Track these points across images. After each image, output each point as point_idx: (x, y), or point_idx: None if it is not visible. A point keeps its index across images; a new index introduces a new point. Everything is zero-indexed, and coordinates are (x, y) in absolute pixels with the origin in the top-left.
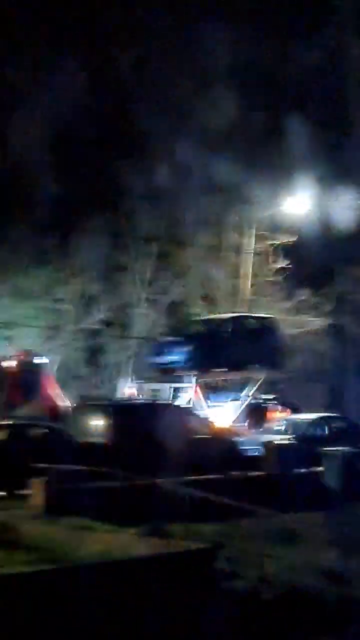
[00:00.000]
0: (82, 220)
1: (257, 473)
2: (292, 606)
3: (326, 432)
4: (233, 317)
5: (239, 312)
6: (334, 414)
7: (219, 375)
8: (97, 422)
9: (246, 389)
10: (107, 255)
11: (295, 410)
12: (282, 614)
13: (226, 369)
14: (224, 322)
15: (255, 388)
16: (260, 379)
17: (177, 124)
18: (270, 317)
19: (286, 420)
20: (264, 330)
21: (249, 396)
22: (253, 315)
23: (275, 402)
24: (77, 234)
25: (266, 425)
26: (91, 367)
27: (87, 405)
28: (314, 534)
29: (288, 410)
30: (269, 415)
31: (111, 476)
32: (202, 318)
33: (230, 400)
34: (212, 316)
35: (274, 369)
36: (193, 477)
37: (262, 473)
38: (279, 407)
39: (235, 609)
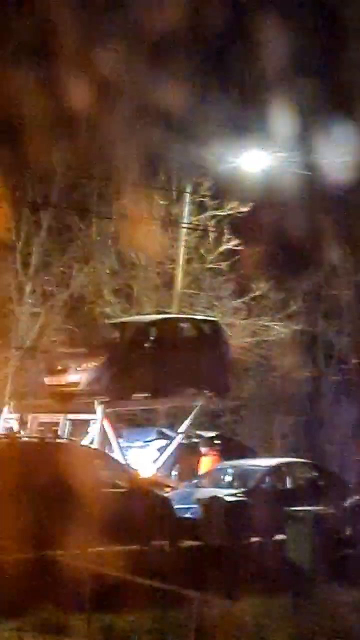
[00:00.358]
0: None
1: (192, 543)
2: None
3: (289, 484)
4: (159, 320)
5: (167, 314)
6: (301, 460)
7: (138, 403)
8: None
9: (179, 423)
10: None
11: (243, 453)
12: None
13: (148, 394)
14: (145, 326)
15: (189, 420)
16: (196, 408)
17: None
18: (212, 320)
19: (232, 468)
20: (203, 338)
21: (180, 433)
22: (187, 317)
23: (219, 441)
24: None
25: (203, 475)
26: None
27: None
28: (272, 628)
29: (214, 454)
30: (208, 460)
31: None
32: (115, 321)
33: (153, 440)
34: (129, 319)
35: (217, 394)
36: (101, 549)
37: (200, 543)
38: (204, 449)
39: None
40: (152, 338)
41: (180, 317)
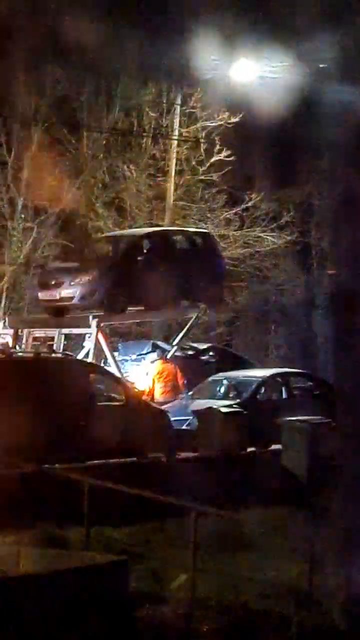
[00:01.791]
0: None
1: (189, 455)
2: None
3: (284, 395)
4: (151, 234)
5: (159, 226)
6: (296, 370)
7: (132, 316)
8: None
9: (173, 336)
10: None
11: (237, 364)
12: None
13: (142, 307)
14: (138, 240)
15: (183, 333)
16: (191, 320)
17: None
18: (205, 232)
19: (227, 378)
20: (196, 251)
21: (174, 346)
22: (180, 229)
23: (212, 353)
24: None
25: (197, 386)
26: None
27: None
28: (268, 538)
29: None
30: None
31: None
32: (108, 234)
33: (148, 353)
34: (121, 232)
35: (211, 306)
36: (99, 462)
37: (196, 455)
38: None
39: None
40: (145, 251)
41: (173, 230)
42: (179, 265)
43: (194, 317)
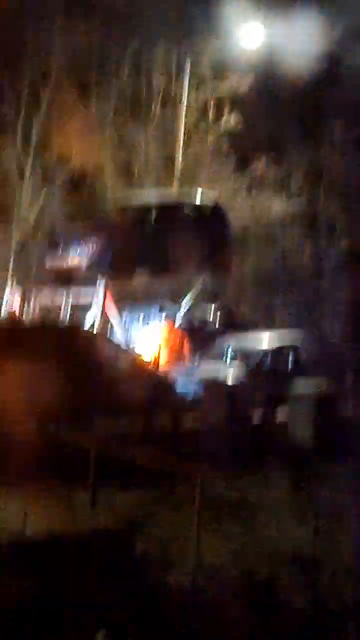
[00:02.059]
0: None
1: (195, 421)
2: (242, 605)
3: (292, 362)
4: (160, 200)
5: (168, 193)
6: (304, 337)
7: (139, 283)
8: None
9: (180, 302)
10: None
11: (245, 328)
12: (228, 617)
13: (149, 274)
14: (147, 207)
15: (190, 300)
16: (198, 286)
17: None
18: (213, 199)
19: (234, 345)
20: (204, 219)
21: (181, 312)
22: (188, 196)
23: (219, 319)
24: None
25: (204, 353)
26: None
27: None
28: (274, 505)
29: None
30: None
31: None
32: (117, 200)
33: (155, 318)
34: (130, 197)
35: (218, 274)
36: (105, 428)
37: (202, 421)
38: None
39: (163, 612)
40: (153, 218)
41: (181, 196)
42: (186, 232)
43: (202, 284)
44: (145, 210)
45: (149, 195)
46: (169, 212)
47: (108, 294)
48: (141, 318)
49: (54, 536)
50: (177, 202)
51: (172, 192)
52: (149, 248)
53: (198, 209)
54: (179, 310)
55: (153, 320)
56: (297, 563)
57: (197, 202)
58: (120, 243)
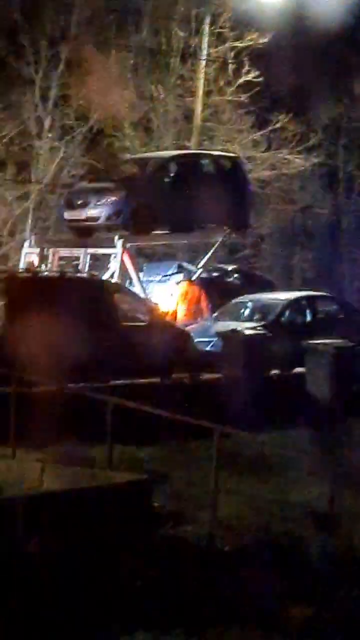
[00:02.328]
0: None
1: (213, 376)
2: (257, 561)
3: (309, 318)
4: (179, 156)
5: (187, 149)
6: (321, 293)
7: (157, 238)
8: None
9: (198, 258)
10: None
11: (262, 286)
12: (244, 572)
13: (168, 229)
14: (166, 162)
15: (209, 256)
16: (217, 242)
17: None
18: (233, 156)
19: (251, 300)
20: (223, 174)
21: (199, 268)
22: (208, 152)
23: (237, 275)
24: None
25: (222, 308)
26: None
27: None
28: (291, 461)
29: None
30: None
31: (3, 380)
32: (135, 156)
33: (173, 274)
34: (149, 154)
35: (236, 229)
36: (123, 382)
37: (220, 376)
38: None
39: (179, 564)
40: (172, 173)
41: (200, 153)
42: (205, 188)
43: (220, 240)
44: (164, 166)
45: (168, 151)
46: (189, 168)
47: (126, 249)
48: (159, 273)
49: (70, 492)
50: (196, 158)
51: (191, 148)
52: (168, 204)
53: (218, 165)
54: (198, 266)
55: (171, 276)
56: (314, 519)
57: (217, 159)
58: (139, 199)
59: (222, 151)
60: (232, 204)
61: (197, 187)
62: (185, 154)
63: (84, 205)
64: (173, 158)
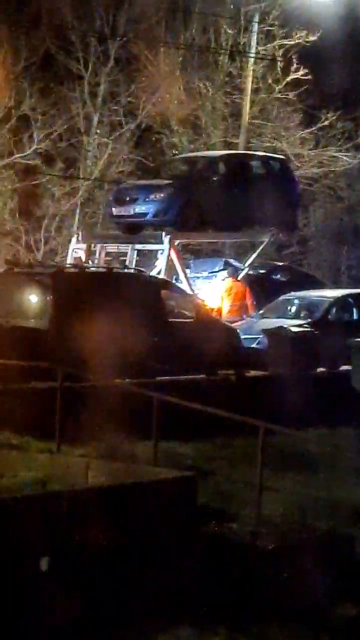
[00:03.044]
0: (7, 9)
1: (259, 373)
2: (301, 559)
3: (356, 316)
4: (228, 156)
5: (234, 146)
6: None
7: (204, 235)
8: (31, 299)
9: (245, 256)
10: (44, 57)
11: (309, 284)
12: (289, 571)
13: (215, 228)
14: (214, 161)
15: (256, 255)
16: (264, 242)
17: None
18: (281, 158)
19: (298, 298)
20: (271, 176)
21: (246, 267)
22: (256, 153)
23: (283, 272)
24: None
25: (268, 305)
26: (22, 219)
27: (15, 274)
28: (338, 458)
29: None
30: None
31: (50, 375)
32: (185, 155)
33: (220, 270)
34: (198, 153)
35: (283, 232)
36: (169, 378)
37: (266, 373)
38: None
39: (223, 563)
40: (220, 173)
41: (249, 154)
42: (253, 189)
43: (267, 240)
44: (213, 165)
45: (218, 151)
46: (237, 168)
47: (173, 245)
48: (206, 270)
49: (115, 487)
50: (245, 159)
51: (239, 145)
52: (216, 203)
53: (266, 166)
54: (244, 264)
55: (218, 272)
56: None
57: (266, 160)
58: (187, 197)
59: (270, 152)
60: (279, 206)
61: (245, 188)
62: (234, 154)
63: (133, 201)
64: (222, 158)
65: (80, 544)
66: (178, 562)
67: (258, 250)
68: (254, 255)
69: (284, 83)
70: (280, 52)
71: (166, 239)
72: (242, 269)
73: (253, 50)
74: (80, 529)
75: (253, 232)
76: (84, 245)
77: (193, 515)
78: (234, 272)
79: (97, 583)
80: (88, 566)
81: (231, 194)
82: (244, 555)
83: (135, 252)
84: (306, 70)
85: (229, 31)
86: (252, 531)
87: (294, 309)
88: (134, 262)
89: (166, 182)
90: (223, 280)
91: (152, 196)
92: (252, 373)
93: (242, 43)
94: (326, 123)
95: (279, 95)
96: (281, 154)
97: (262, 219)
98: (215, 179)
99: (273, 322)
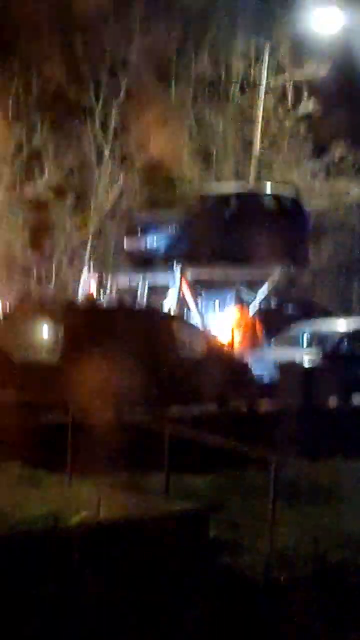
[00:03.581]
0: (19, 43)
1: (270, 405)
2: (313, 591)
3: None
4: (240, 191)
5: (245, 179)
6: None
7: (215, 269)
8: (43, 332)
9: (256, 289)
10: (56, 90)
11: (321, 315)
12: (302, 605)
13: (226, 262)
14: (227, 196)
15: (267, 289)
16: (275, 278)
17: None
18: (293, 194)
19: (310, 329)
20: (283, 212)
21: (257, 300)
22: (268, 189)
23: (295, 303)
24: (9, 60)
25: (279, 337)
26: (33, 252)
27: (28, 307)
28: (349, 489)
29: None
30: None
31: (61, 409)
32: (197, 191)
33: (231, 302)
34: (211, 188)
35: (295, 267)
36: (180, 411)
37: (277, 405)
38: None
39: (235, 595)
40: (232, 208)
41: (261, 189)
42: (265, 224)
43: (278, 276)
44: (225, 200)
45: (229, 185)
46: (249, 204)
47: (184, 279)
48: (217, 304)
49: (127, 521)
50: (257, 193)
51: (252, 182)
52: (227, 237)
53: (278, 200)
54: (255, 297)
55: (228, 306)
56: None
57: (277, 194)
58: (199, 231)
59: (281, 185)
60: (291, 242)
61: (257, 223)
62: (246, 190)
63: (145, 234)
64: (234, 193)
65: (91, 577)
66: (189, 595)
67: (269, 285)
68: (265, 289)
69: (294, 115)
70: (291, 84)
71: (177, 272)
72: (253, 302)
73: (264, 82)
74: (92, 563)
75: (264, 268)
76: (95, 279)
77: (204, 548)
78: (245, 304)
79: (106, 618)
80: (98, 599)
81: (243, 229)
82: (256, 587)
83: (147, 285)
84: (317, 103)
85: (240, 64)
86: (265, 563)
87: (305, 340)
88: (145, 295)
89: (178, 215)
90: (234, 312)
91: (164, 229)
92: (264, 405)
93: (252, 75)
94: (337, 155)
95: (289, 128)
96: (292, 186)
97: (273, 254)
98: (227, 213)
99: (285, 354)
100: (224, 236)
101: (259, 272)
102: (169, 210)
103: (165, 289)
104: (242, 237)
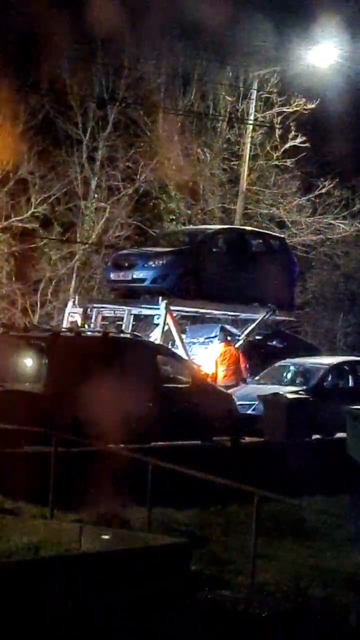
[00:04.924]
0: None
1: (254, 440)
2: (295, 627)
3: (351, 383)
4: (228, 230)
5: (234, 217)
6: None
7: (201, 305)
8: (27, 363)
9: (241, 326)
10: (43, 121)
11: (305, 350)
12: (281, 639)
13: (212, 299)
14: (214, 234)
15: (252, 328)
16: (259, 318)
17: None
18: (281, 237)
19: (294, 364)
20: (270, 253)
21: (242, 338)
22: (256, 230)
23: (279, 339)
24: None
25: (264, 372)
26: (18, 283)
27: (11, 337)
28: (331, 526)
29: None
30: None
31: (44, 439)
32: (186, 227)
33: (216, 336)
34: (199, 226)
35: (280, 309)
36: (163, 444)
37: (261, 440)
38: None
39: (216, 629)
40: (220, 246)
41: (249, 230)
42: (252, 265)
43: (263, 316)
44: (213, 238)
45: (217, 226)
46: (237, 243)
47: (170, 311)
48: (202, 335)
49: (108, 554)
50: (245, 235)
51: (238, 213)
52: (214, 275)
53: (266, 243)
54: (240, 335)
55: (213, 339)
56: (355, 585)
57: (265, 237)
58: (186, 265)
59: (268, 223)
60: (277, 283)
61: (244, 263)
62: (234, 229)
63: (131, 267)
64: (222, 232)
65: (72, 609)
66: (170, 630)
67: (254, 325)
68: (250, 328)
69: (282, 150)
70: (279, 119)
71: (162, 304)
72: (238, 338)
73: (251, 117)
74: (73, 595)
75: (250, 308)
76: (80, 310)
77: (186, 581)
78: (227, 337)
79: None
80: (77, 632)
81: (229, 267)
82: (238, 622)
83: (132, 317)
84: (304, 138)
85: (228, 98)
86: (246, 598)
87: (289, 375)
88: (130, 327)
89: (166, 249)
90: (218, 346)
91: (151, 262)
92: (248, 439)
93: (240, 110)
94: (324, 191)
95: (276, 162)
96: (278, 221)
97: (259, 295)
98: (214, 251)
99: (269, 389)
100: (210, 273)
101: (245, 312)
102: (157, 245)
103: (150, 321)
104: (228, 276)
